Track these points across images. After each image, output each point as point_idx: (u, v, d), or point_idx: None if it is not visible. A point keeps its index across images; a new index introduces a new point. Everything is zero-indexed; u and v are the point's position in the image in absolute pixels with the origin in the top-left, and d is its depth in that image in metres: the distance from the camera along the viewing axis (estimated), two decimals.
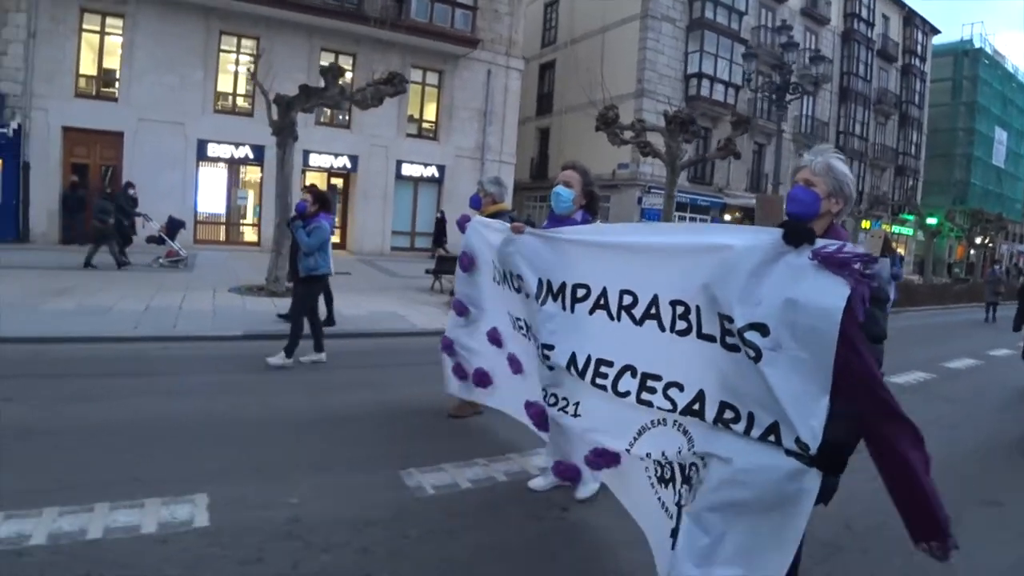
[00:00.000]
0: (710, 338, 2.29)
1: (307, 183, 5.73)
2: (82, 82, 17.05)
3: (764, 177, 30.22)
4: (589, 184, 3.63)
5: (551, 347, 3.11)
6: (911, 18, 38.77)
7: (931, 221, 38.20)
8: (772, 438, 2.00)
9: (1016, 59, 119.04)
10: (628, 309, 2.71)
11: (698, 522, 2.12)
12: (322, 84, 11.28)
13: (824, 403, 1.90)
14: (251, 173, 19.13)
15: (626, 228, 2.99)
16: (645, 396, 2.57)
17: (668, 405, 2.45)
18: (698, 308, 2.35)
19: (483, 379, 4.38)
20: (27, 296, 8.61)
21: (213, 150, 17.99)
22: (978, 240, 37.88)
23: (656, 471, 2.60)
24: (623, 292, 2.74)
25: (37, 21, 16.24)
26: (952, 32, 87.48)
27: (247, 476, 3.60)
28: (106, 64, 17.30)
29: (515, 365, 3.96)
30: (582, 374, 2.92)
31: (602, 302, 2.85)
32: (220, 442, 4.13)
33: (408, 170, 20.35)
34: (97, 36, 17.15)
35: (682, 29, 26.75)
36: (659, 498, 2.57)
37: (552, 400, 3.20)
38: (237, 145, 18.12)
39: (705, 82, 26.73)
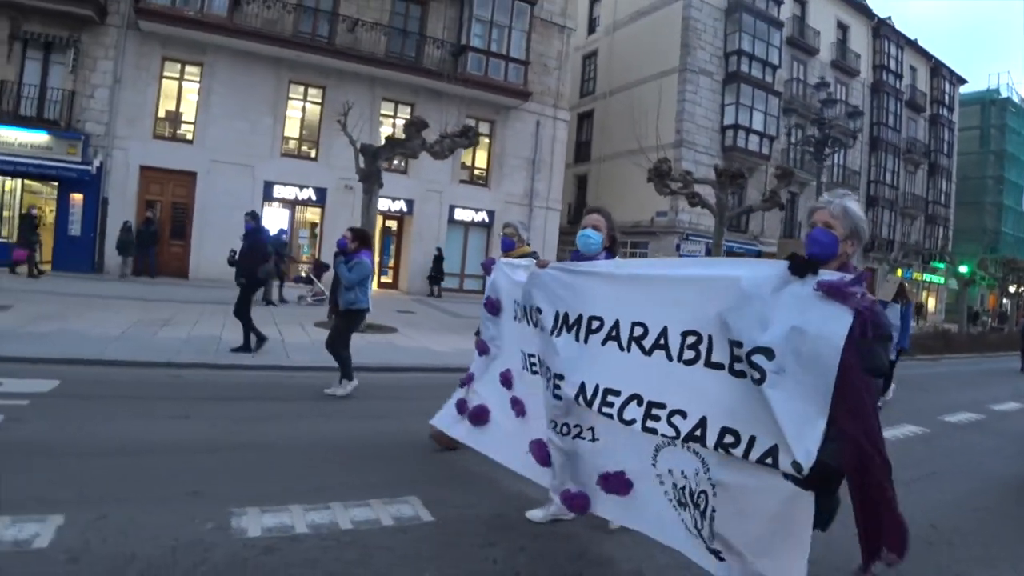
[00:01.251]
0: (718, 366, 2.42)
1: (356, 227, 6.28)
2: (160, 125, 18.16)
3: (797, 225, 30.79)
4: (612, 229, 3.75)
5: (561, 377, 3.20)
6: (938, 69, 39.56)
7: (962, 270, 38.39)
8: (769, 461, 2.13)
9: None
10: (639, 340, 2.82)
11: (724, 548, 2.34)
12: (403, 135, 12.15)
13: (821, 426, 2.04)
14: (311, 214, 20.04)
15: (642, 262, 3.33)
16: (650, 424, 2.68)
17: (672, 432, 2.57)
18: (710, 337, 2.48)
19: (481, 416, 4.36)
20: (137, 325, 9.42)
21: (278, 191, 18.97)
22: (1012, 289, 37.98)
23: (675, 495, 2.68)
24: (635, 324, 2.85)
25: (123, 68, 17.42)
26: (978, 81, 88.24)
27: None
28: (183, 108, 18.42)
29: (518, 407, 4.03)
30: (589, 403, 3.01)
31: (614, 333, 2.96)
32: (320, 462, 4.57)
33: (460, 215, 21.21)
34: (176, 82, 18.31)
35: (718, 82, 27.66)
36: (682, 520, 2.65)
37: (565, 429, 3.28)
38: (301, 187, 19.07)
39: (741, 133, 27.51)
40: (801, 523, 2.07)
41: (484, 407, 4.37)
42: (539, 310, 3.48)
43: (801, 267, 2.16)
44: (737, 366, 2.31)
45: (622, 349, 2.90)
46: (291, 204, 19.40)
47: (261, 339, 8.45)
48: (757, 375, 2.17)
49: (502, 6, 20.46)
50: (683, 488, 2.59)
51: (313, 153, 19.57)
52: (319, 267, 15.95)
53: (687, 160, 25.22)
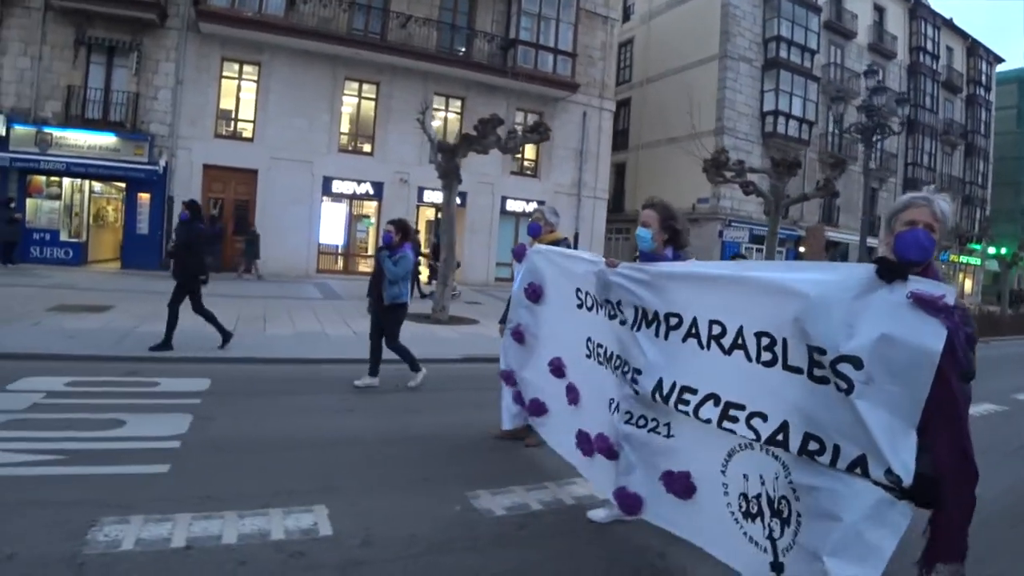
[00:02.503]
0: (796, 370, 2.31)
1: (396, 218, 6.20)
2: (221, 124, 18.60)
3: (836, 209, 30.75)
4: (669, 219, 3.57)
5: (639, 372, 3.16)
6: (975, 48, 39.05)
7: (993, 251, 38.16)
8: (859, 470, 2.06)
9: None
10: (717, 339, 2.74)
11: (806, 556, 2.24)
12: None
13: (913, 438, 1.99)
14: (367, 208, 20.42)
15: (719, 264, 3.14)
16: (727, 424, 2.61)
17: (751, 435, 2.49)
18: (785, 341, 2.37)
19: (539, 409, 4.38)
20: (242, 322, 9.83)
21: (337, 186, 19.37)
22: None
23: (740, 506, 2.62)
24: (712, 322, 2.77)
25: (184, 69, 17.85)
26: (1015, 59, 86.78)
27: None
28: (242, 107, 18.84)
29: (572, 394, 3.97)
30: (666, 399, 2.97)
31: (693, 331, 2.89)
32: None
33: (511, 206, 21.52)
34: (235, 82, 18.72)
35: (758, 68, 27.61)
36: (745, 533, 2.58)
37: (642, 422, 3.21)
38: (359, 182, 19.45)
39: (781, 119, 27.49)
40: (891, 533, 2.02)
41: (539, 401, 4.37)
42: (619, 303, 3.38)
43: (890, 272, 2.03)
44: (817, 372, 2.22)
45: (702, 347, 2.83)
46: (349, 198, 19.78)
47: (225, 334, 8.00)
48: (844, 384, 2.09)
49: None
50: (756, 496, 2.52)
51: (368, 148, 19.93)
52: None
53: (728, 147, 25.20)
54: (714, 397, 2.72)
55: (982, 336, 17.82)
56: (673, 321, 3.01)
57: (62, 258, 17.40)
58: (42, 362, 6.55)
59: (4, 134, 16.73)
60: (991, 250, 37.61)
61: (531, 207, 21.82)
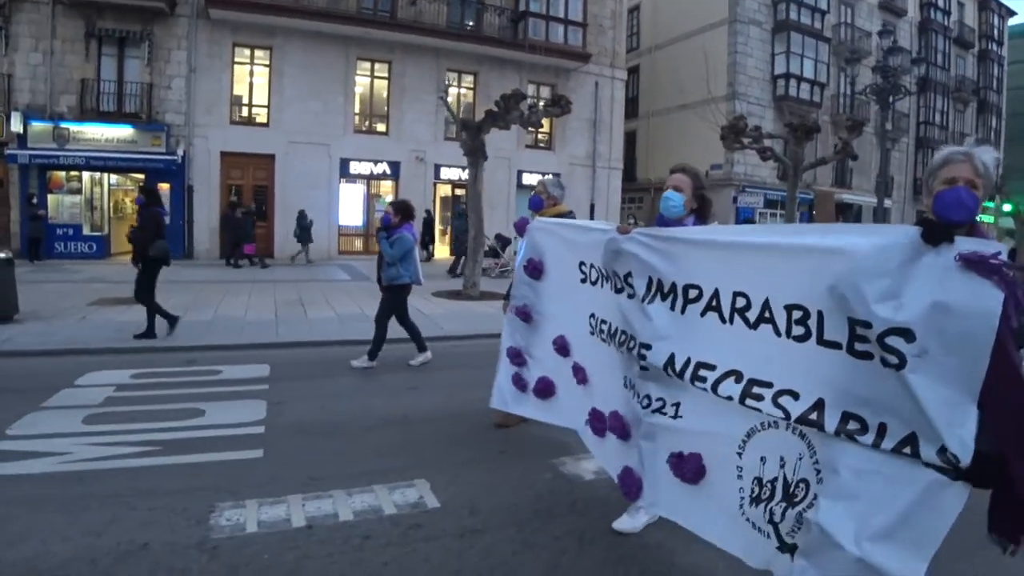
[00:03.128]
0: (834, 344, 2.15)
1: (397, 200, 6.13)
2: (236, 110, 18.58)
3: (849, 171, 30.52)
4: (700, 188, 3.38)
5: (648, 347, 2.92)
6: (986, 2, 38.44)
7: (1007, 209, 37.87)
8: (908, 450, 1.92)
9: None
10: (742, 312, 2.53)
11: (824, 534, 2.07)
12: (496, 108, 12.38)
13: (973, 412, 1.83)
14: (384, 188, 20.42)
15: (741, 229, 2.87)
16: (750, 403, 2.42)
17: (780, 413, 2.30)
18: (820, 313, 2.20)
19: (547, 388, 4.11)
20: (282, 306, 9.94)
21: (354, 168, 19.38)
22: None
23: (752, 491, 2.47)
24: (736, 294, 2.56)
25: (196, 57, 17.80)
26: None
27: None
28: (257, 93, 18.81)
29: (580, 374, 3.75)
30: (680, 375, 2.76)
31: (714, 304, 2.67)
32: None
33: (528, 179, 21.43)
34: (247, 67, 18.67)
35: (768, 31, 27.29)
36: (747, 518, 2.47)
37: (646, 402, 3.00)
38: (376, 162, 19.44)
39: (792, 82, 27.23)
40: (943, 516, 1.86)
41: (548, 379, 4.10)
42: (629, 275, 3.11)
43: (937, 234, 1.86)
44: (860, 346, 2.05)
45: (724, 321, 2.60)
46: (366, 179, 19.79)
47: (172, 320, 7.80)
48: (895, 359, 1.92)
49: None
50: (772, 480, 2.36)
51: (383, 128, 19.89)
52: (502, 241, 16.75)
53: (741, 112, 25.03)
54: (735, 374, 2.52)
55: None
56: (692, 293, 2.76)
57: (86, 252, 17.55)
58: (100, 356, 6.66)
59: (22, 131, 16.78)
60: (1005, 207, 37.42)
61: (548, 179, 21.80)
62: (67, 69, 17.11)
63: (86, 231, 18.01)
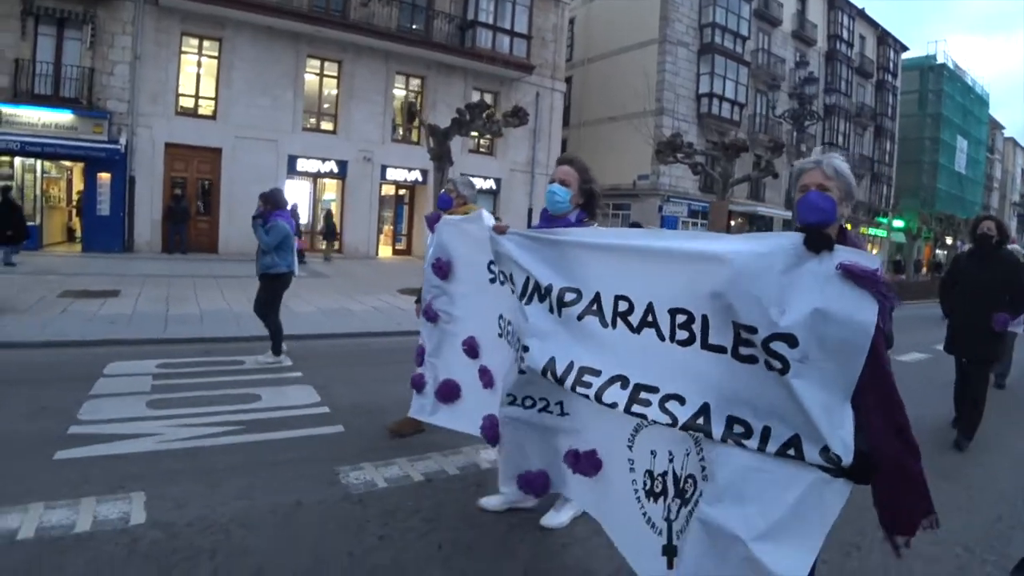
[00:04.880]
0: (719, 349, 2.15)
1: (266, 190, 6.19)
2: (183, 101, 18.40)
3: (763, 186, 32.92)
4: (588, 181, 3.27)
5: (527, 349, 2.82)
6: (884, 37, 42.17)
7: (897, 224, 41.86)
8: (792, 452, 1.95)
9: (972, 62, 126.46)
10: (624, 316, 2.50)
11: (709, 534, 2.06)
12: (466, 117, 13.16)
13: (850, 414, 1.90)
14: (331, 187, 20.69)
15: (624, 232, 2.72)
16: (637, 408, 2.38)
17: (667, 419, 2.27)
18: (704, 318, 2.20)
19: (451, 392, 4.04)
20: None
21: (302, 165, 19.55)
22: (948, 240, 41.62)
23: (645, 483, 2.47)
24: (618, 298, 2.53)
25: (141, 44, 17.52)
26: (917, 48, 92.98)
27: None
28: (204, 84, 18.67)
29: (486, 378, 3.67)
30: (561, 381, 2.66)
31: (594, 308, 2.63)
32: None
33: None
34: (195, 58, 18.51)
35: (694, 52, 29.18)
36: (644, 512, 2.45)
37: (529, 403, 2.99)
38: (323, 160, 19.70)
39: (715, 101, 29.22)
40: (826, 514, 1.93)
41: (452, 382, 4.04)
42: (510, 275, 3.03)
43: (819, 242, 1.95)
44: (744, 351, 2.07)
45: (605, 325, 2.57)
46: (313, 177, 20.00)
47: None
48: (779, 364, 1.95)
49: None
50: (663, 474, 2.37)
51: (331, 126, 20.16)
52: None
53: (667, 127, 26.70)
54: (621, 379, 2.48)
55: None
56: (568, 297, 2.72)
57: None
58: (112, 347, 6.90)
59: None
60: (897, 223, 41.30)
61: (488, 184, 22.64)
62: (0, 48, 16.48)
63: None
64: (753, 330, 2.01)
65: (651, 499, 2.42)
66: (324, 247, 19.09)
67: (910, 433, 1.94)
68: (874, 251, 42.94)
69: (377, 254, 20.50)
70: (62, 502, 3.24)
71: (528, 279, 2.90)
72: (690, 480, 2.22)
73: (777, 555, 1.92)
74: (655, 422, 2.31)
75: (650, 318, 2.40)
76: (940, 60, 46.51)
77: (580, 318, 2.65)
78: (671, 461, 2.33)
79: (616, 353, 2.51)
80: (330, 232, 19.01)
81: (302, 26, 18.75)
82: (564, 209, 3.25)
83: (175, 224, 17.74)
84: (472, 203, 4.41)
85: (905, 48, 44.34)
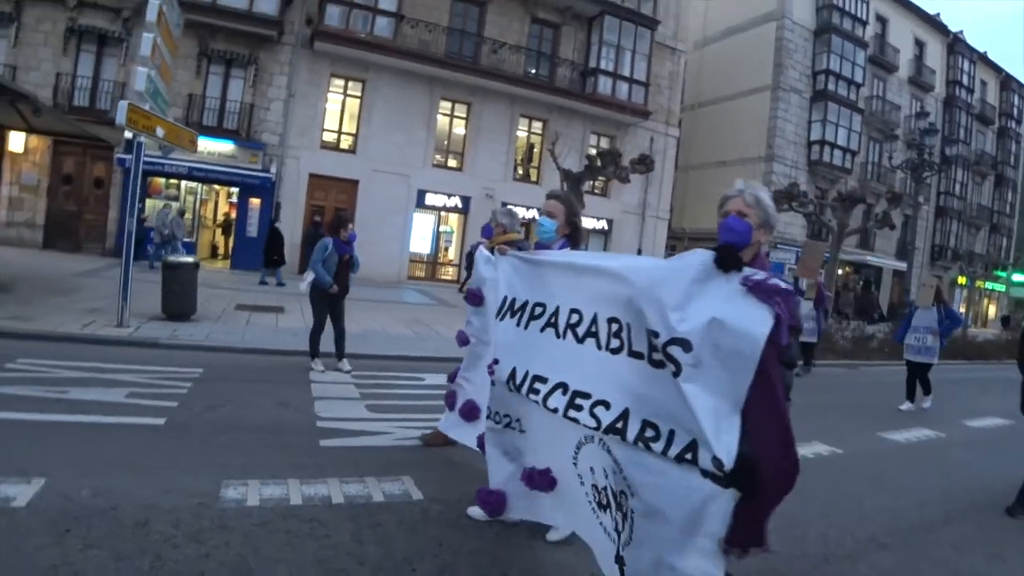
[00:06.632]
0: (639, 355, 2.29)
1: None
2: (327, 136, 20.12)
3: (872, 235, 32.14)
4: (573, 215, 3.58)
5: (496, 362, 3.14)
6: (1008, 82, 40.50)
7: (1018, 279, 39.75)
8: (689, 456, 2.02)
9: None
10: (574, 327, 2.72)
11: (640, 548, 2.19)
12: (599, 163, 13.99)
13: (737, 422, 1.96)
14: (453, 220, 21.96)
15: (586, 254, 3.08)
16: (572, 413, 2.56)
17: (593, 423, 2.43)
18: (629, 326, 2.37)
19: (472, 412, 4.31)
20: (410, 325, 11.28)
21: (430, 199, 20.89)
22: None
23: (594, 496, 2.60)
24: (572, 311, 2.76)
25: (295, 83, 19.35)
26: None
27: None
28: (346, 121, 20.35)
29: None
30: (518, 388, 2.94)
31: (553, 320, 2.87)
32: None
33: (586, 223, 22.98)
34: (340, 97, 20.24)
35: (807, 99, 29.15)
36: (601, 523, 2.57)
37: (497, 418, 3.24)
38: (449, 195, 20.98)
39: (827, 148, 29.00)
40: (717, 522, 1.99)
41: (473, 402, 4.31)
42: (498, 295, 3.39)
43: (728, 261, 2.07)
44: (655, 356, 2.20)
45: (558, 336, 2.82)
46: (438, 210, 21.30)
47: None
48: (673, 368, 2.08)
49: (627, 31, 22.17)
50: (604, 488, 2.49)
51: (456, 163, 21.47)
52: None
53: (777, 173, 26.75)
54: (563, 386, 2.69)
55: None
56: (537, 311, 3.01)
57: None
58: (300, 357, 7.79)
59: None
60: (1016, 277, 39.26)
61: (600, 225, 23.36)
62: (178, 83, 18.50)
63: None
64: (656, 335, 2.17)
65: (602, 510, 2.54)
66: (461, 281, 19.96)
67: (793, 449, 1.98)
68: (991, 307, 41.10)
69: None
70: (351, 479, 4.01)
71: (505, 299, 3.26)
72: (624, 495, 2.31)
73: (690, 568, 2.03)
74: (585, 426, 2.48)
75: (593, 328, 2.60)
76: None
77: (542, 330, 2.94)
78: (606, 477, 2.45)
79: (562, 362, 2.74)
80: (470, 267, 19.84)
81: (437, 70, 20.16)
82: (550, 239, 3.57)
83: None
84: (512, 231, 4.57)
85: None
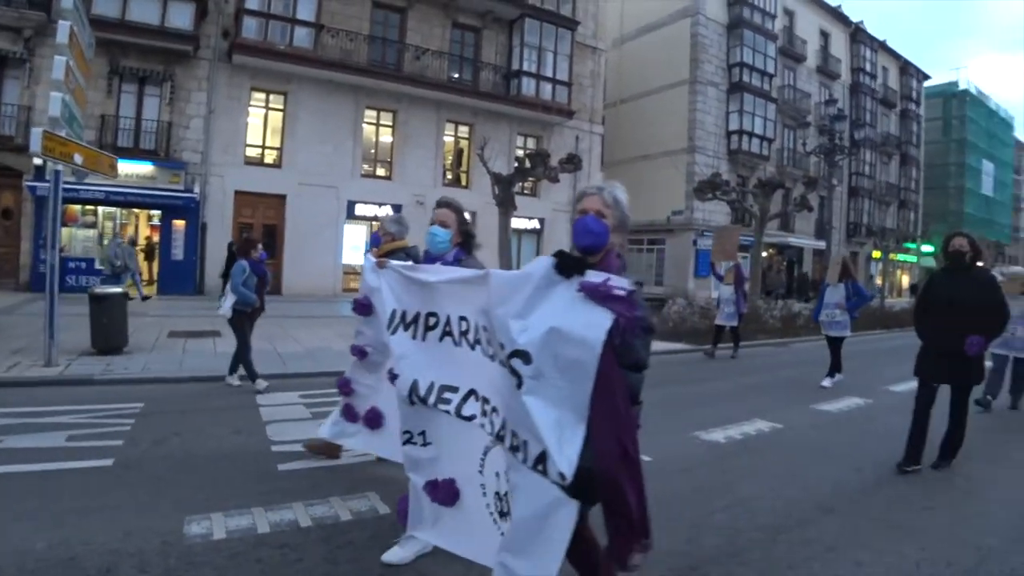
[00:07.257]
0: (503, 364, 2.24)
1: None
2: (250, 151, 19.73)
3: (792, 218, 33.62)
4: (464, 223, 3.50)
5: (395, 376, 3.03)
6: (906, 67, 43.08)
7: (926, 249, 42.35)
8: (540, 468, 2.00)
9: (997, 83, 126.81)
10: (464, 334, 2.71)
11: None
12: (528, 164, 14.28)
13: (581, 433, 1.93)
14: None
15: (458, 268, 3.07)
16: (481, 420, 2.56)
17: (490, 428, 2.45)
18: (489, 337, 2.40)
19: (376, 419, 4.23)
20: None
21: (360, 209, 20.76)
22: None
23: (496, 505, 2.57)
24: (460, 318, 2.74)
25: (215, 99, 18.90)
26: (940, 75, 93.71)
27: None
28: (271, 135, 20.01)
29: None
30: (424, 400, 2.86)
31: (448, 328, 2.84)
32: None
33: (516, 223, 23.16)
34: (263, 110, 19.87)
35: (723, 92, 30.30)
36: (502, 532, 2.47)
37: (405, 436, 3.07)
38: (380, 205, 20.89)
39: (744, 137, 30.22)
40: (562, 531, 1.99)
41: (377, 410, 4.25)
42: (383, 310, 3.34)
43: (568, 266, 2.02)
44: (505, 367, 2.17)
45: (456, 344, 2.79)
46: (369, 221, 21.19)
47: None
48: (516, 381, 2.05)
49: (548, 32, 22.60)
50: (506, 494, 2.40)
51: (386, 172, 21.40)
52: None
53: (699, 164, 27.71)
54: (474, 393, 2.65)
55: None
56: (431, 320, 2.96)
57: None
58: (244, 381, 7.60)
59: (41, 163, 17.33)
60: (926, 248, 41.79)
61: (533, 224, 23.70)
62: (89, 104, 17.70)
63: (98, 265, 18.55)
64: (502, 346, 2.15)
65: (504, 519, 2.50)
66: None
67: (635, 455, 1.93)
68: (904, 277, 43.59)
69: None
70: (315, 501, 4.00)
71: (395, 311, 3.18)
72: (507, 499, 2.37)
73: (525, 568, 2.06)
74: (488, 434, 2.50)
75: (478, 335, 2.61)
76: (962, 86, 47.47)
77: (441, 339, 2.89)
78: (507, 482, 2.37)
79: (467, 369, 2.69)
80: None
81: (361, 79, 20.07)
82: (444, 249, 3.43)
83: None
84: (400, 238, 4.51)
85: (927, 76, 45.20)
